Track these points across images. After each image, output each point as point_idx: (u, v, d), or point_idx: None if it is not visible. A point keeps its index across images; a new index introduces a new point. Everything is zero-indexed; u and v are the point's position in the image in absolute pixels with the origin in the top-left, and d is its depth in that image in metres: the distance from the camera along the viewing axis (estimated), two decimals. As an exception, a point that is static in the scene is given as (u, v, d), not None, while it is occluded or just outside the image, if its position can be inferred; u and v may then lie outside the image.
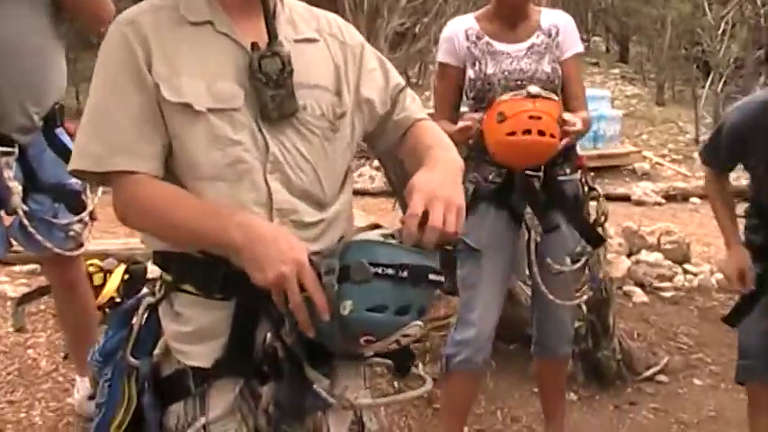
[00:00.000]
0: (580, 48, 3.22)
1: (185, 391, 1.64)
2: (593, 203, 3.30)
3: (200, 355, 1.63)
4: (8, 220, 3.18)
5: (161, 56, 1.60)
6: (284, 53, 1.64)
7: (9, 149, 3.03)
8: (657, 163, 12.55)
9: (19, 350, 4.29)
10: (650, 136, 14.63)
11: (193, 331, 1.63)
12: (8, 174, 3.02)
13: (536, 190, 3.08)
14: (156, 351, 1.67)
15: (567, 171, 3.18)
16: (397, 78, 1.87)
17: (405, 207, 1.55)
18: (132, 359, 1.68)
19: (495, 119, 2.91)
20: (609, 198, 8.76)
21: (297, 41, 1.72)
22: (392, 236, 1.51)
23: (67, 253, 3.24)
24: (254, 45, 1.63)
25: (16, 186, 3.06)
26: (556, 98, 2.97)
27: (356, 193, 8.17)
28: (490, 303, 3.12)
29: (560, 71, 3.11)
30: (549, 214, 3.12)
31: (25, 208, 3.09)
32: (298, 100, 1.65)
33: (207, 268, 1.61)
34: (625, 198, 9.75)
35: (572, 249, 3.22)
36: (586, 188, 3.26)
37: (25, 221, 3.09)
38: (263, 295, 1.51)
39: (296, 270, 1.45)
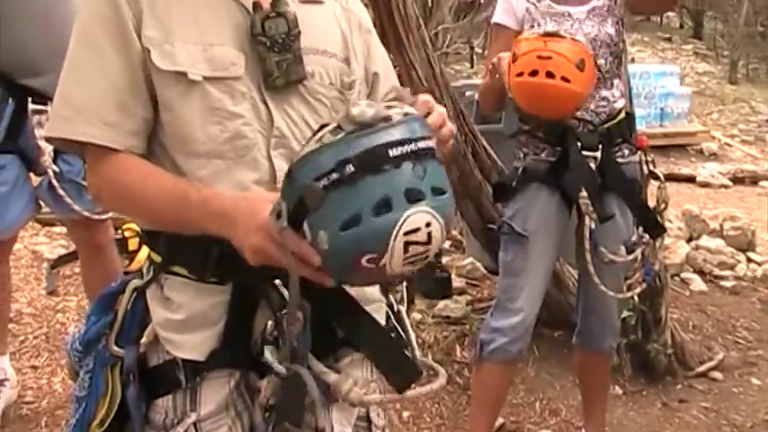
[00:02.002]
0: None
1: (175, 383, 1.48)
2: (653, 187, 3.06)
3: (193, 346, 1.47)
4: (36, 181, 3.13)
5: (152, 17, 1.42)
6: (290, 14, 1.46)
7: (42, 107, 2.95)
8: (726, 143, 12.11)
9: (49, 314, 4.23)
10: (720, 115, 14.15)
11: (185, 319, 1.47)
12: (39, 133, 2.95)
13: (592, 172, 2.85)
14: (143, 340, 1.50)
15: (627, 153, 2.97)
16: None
17: None
18: (116, 348, 1.52)
19: (510, 59, 2.68)
20: (673, 178, 8.66)
21: (302, 2, 1.55)
22: (339, 127, 1.25)
23: (95, 216, 3.16)
24: (257, 5, 1.46)
25: (47, 146, 2.98)
26: (580, 40, 2.71)
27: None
28: (533, 293, 2.92)
29: (623, 32, 2.94)
30: (605, 200, 2.89)
31: (55, 168, 3.04)
32: (306, 65, 1.47)
33: (199, 248, 1.43)
34: (690, 179, 9.42)
35: (627, 238, 3.00)
36: (647, 172, 3.02)
37: (55, 182, 3.03)
38: (263, 277, 1.37)
39: (264, 234, 1.27)
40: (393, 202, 1.19)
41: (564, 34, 2.66)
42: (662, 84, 11.49)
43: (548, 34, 2.64)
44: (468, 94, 5.03)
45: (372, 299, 1.59)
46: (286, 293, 1.41)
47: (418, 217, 1.20)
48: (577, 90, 2.61)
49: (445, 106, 1.91)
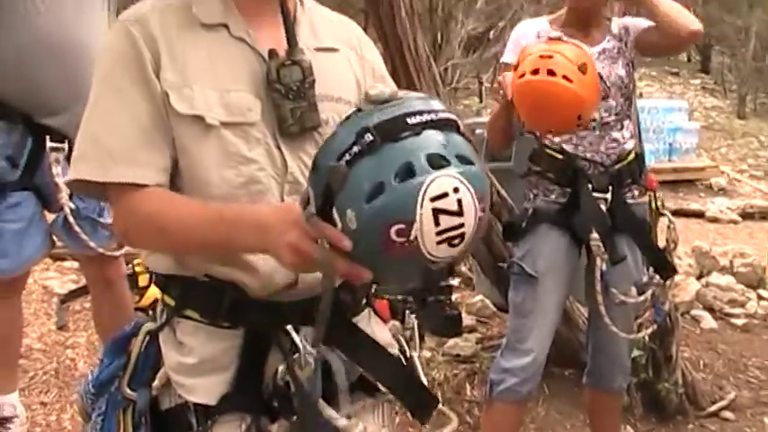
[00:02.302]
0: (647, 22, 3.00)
1: (186, 427, 1.48)
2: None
3: (205, 390, 1.47)
4: (50, 217, 3.15)
5: (170, 60, 1.44)
6: (305, 62, 1.48)
7: (59, 145, 2.98)
8: (735, 179, 12.11)
9: (59, 349, 4.23)
10: (729, 150, 14.17)
11: (197, 363, 1.48)
12: (56, 170, 2.98)
13: (603, 213, 2.86)
14: (156, 383, 1.51)
15: (636, 193, 2.98)
16: None
17: None
18: (129, 391, 1.53)
19: (514, 70, 2.67)
20: (682, 214, 8.64)
21: (317, 50, 1.56)
22: (359, 110, 1.26)
23: (109, 253, 3.18)
24: (273, 52, 1.47)
25: (64, 184, 2.99)
26: (583, 47, 2.70)
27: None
28: (543, 334, 2.92)
29: (633, 74, 2.98)
30: (616, 241, 2.90)
31: (72, 206, 3.04)
32: (320, 112, 1.49)
33: (212, 292, 1.46)
34: (699, 214, 9.40)
35: (638, 278, 3.00)
36: (657, 212, 3.03)
37: (71, 219, 3.04)
38: (275, 323, 1.38)
39: (298, 230, 1.26)
40: (416, 168, 1.16)
41: (567, 39, 2.66)
42: (670, 119, 11.52)
43: (551, 39, 2.66)
44: (477, 132, 5.05)
45: (385, 343, 1.60)
46: (297, 339, 1.43)
47: (444, 181, 1.16)
48: (579, 92, 2.55)
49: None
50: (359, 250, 1.20)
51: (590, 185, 2.86)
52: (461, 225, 1.18)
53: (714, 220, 9.30)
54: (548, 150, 2.90)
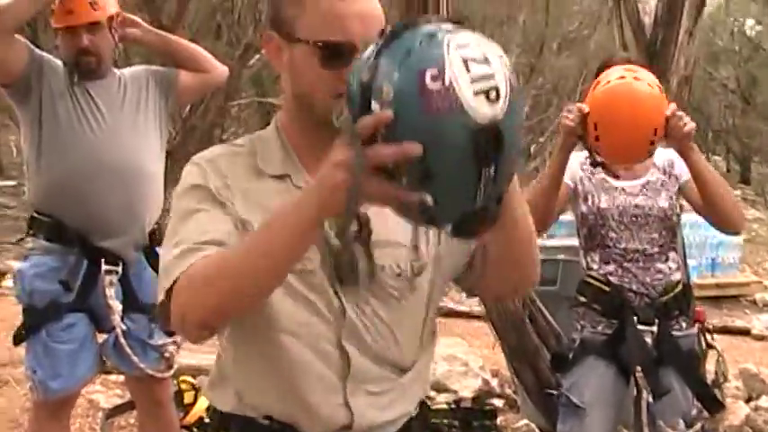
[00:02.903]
0: None
1: None
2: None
3: None
4: (101, 337, 3.21)
5: (241, 199, 1.50)
6: (362, 214, 1.51)
7: (113, 268, 3.07)
8: (780, 294, 11.93)
9: (103, 466, 4.20)
10: (772, 264, 14.00)
11: None
12: (110, 292, 3.07)
13: (647, 346, 2.87)
14: None
15: (684, 325, 2.98)
16: None
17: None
18: None
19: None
20: (726, 331, 8.48)
21: None
22: None
23: (159, 374, 3.23)
24: None
25: (117, 305, 3.10)
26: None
27: (456, 315, 8.01)
28: (591, 466, 2.89)
29: (677, 206, 2.99)
30: (662, 374, 2.89)
31: (123, 327, 3.12)
32: (375, 260, 1.53)
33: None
34: (744, 332, 9.22)
35: (687, 411, 2.97)
36: (704, 345, 3.02)
37: (122, 340, 3.11)
38: None
39: (342, 148, 1.25)
40: (438, 33, 1.21)
41: None
42: (712, 233, 11.42)
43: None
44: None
45: None
46: None
47: (466, 34, 1.22)
48: (661, 103, 2.67)
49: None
50: (400, 119, 1.19)
51: (636, 318, 2.88)
52: (492, 76, 1.20)
53: (761, 338, 9.12)
54: (594, 282, 2.92)
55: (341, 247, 1.46)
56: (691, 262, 9.85)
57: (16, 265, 3.85)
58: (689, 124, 2.69)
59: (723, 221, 2.89)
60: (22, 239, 3.22)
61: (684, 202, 3.07)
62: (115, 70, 3.22)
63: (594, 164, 2.85)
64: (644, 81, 2.68)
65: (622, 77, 2.69)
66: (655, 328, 2.88)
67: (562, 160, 2.84)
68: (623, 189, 2.98)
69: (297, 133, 1.57)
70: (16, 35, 3.01)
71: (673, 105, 2.70)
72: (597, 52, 15.11)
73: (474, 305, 9.51)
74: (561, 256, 4.29)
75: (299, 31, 1.48)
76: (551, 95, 15.96)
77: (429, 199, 1.21)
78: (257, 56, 10.49)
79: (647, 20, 4.84)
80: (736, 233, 2.95)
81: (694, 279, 9.42)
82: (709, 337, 3.05)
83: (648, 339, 2.87)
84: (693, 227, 11.26)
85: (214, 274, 1.35)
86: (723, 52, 22.42)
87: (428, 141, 1.18)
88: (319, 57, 1.46)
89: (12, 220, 11.34)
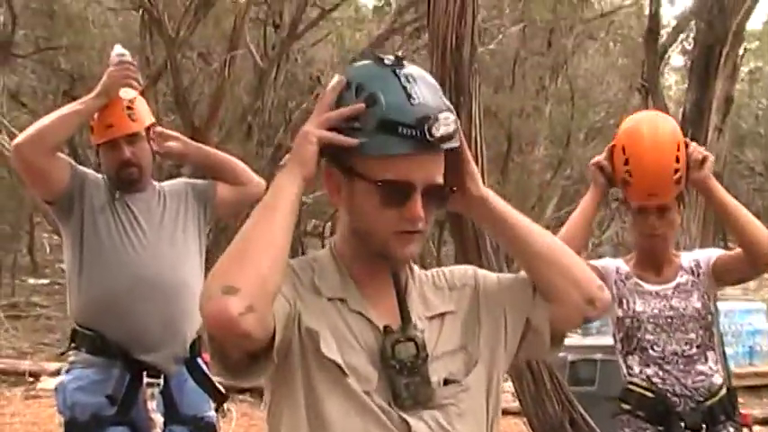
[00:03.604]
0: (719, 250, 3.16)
1: None
2: None
3: None
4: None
5: (307, 313, 1.54)
6: (419, 338, 1.55)
7: (155, 381, 3.09)
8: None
9: None
10: (812, 350, 13.71)
11: None
12: (151, 405, 3.08)
13: None
14: None
15: (731, 430, 2.96)
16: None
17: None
18: None
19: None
20: (766, 423, 8.27)
21: (428, 318, 1.63)
22: None
23: (199, 486, 3.22)
24: (387, 328, 1.55)
25: (158, 418, 3.11)
26: None
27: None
28: None
29: (712, 305, 3.01)
30: None
31: None
32: (431, 377, 1.55)
33: None
34: (786, 422, 9.02)
35: None
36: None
37: None
38: None
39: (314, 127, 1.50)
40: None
41: None
42: (748, 321, 11.29)
43: None
44: (560, 355, 5.06)
45: None
46: None
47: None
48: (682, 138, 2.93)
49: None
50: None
51: (682, 424, 2.85)
52: None
53: (803, 428, 8.91)
54: (637, 389, 2.91)
55: (397, 371, 1.51)
56: (727, 350, 9.69)
57: (53, 380, 3.88)
58: (705, 153, 2.90)
59: (756, 245, 2.86)
60: (64, 353, 3.25)
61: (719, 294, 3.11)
62: (155, 183, 3.28)
63: (623, 201, 3.07)
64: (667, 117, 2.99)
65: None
66: (702, 432, 2.85)
67: (594, 195, 3.01)
68: (656, 293, 3.01)
69: (353, 261, 1.60)
70: (58, 153, 3.10)
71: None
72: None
73: (510, 401, 9.43)
74: (599, 356, 4.26)
75: (359, 167, 1.52)
76: (579, 185, 16.02)
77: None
78: (288, 156, 10.65)
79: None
80: None
81: (732, 368, 9.26)
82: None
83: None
84: (729, 315, 11.15)
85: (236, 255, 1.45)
86: (748, 135, 22.49)
87: None
88: (380, 195, 1.50)
89: (45, 320, 11.42)
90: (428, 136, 1.46)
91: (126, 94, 3.09)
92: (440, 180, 1.54)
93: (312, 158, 1.50)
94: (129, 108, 3.11)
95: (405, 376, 1.52)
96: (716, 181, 2.90)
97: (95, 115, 3.11)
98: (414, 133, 1.46)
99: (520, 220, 1.64)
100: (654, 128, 2.95)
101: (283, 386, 1.55)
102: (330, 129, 1.50)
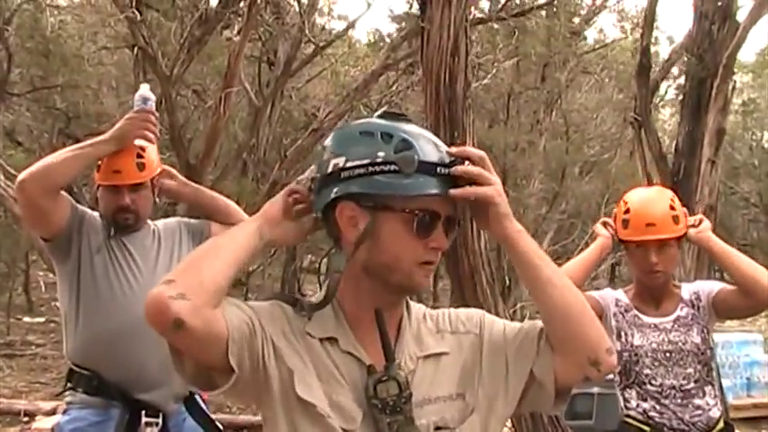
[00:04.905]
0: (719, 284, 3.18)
1: None
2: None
3: None
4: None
5: (289, 351, 1.57)
6: (401, 378, 1.56)
7: (153, 420, 3.08)
8: (820, 413, 11.60)
9: None
10: (811, 381, 13.64)
11: None
12: None
13: None
14: None
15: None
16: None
17: None
18: None
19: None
20: (767, 456, 8.20)
21: (421, 358, 1.64)
22: None
23: None
24: (371, 368, 1.57)
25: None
26: None
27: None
28: None
29: (711, 340, 3.02)
30: None
31: None
32: (419, 419, 1.55)
33: None
34: (786, 455, 8.96)
35: None
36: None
37: None
38: None
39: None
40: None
41: None
42: (746, 352, 11.25)
43: None
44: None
45: None
46: None
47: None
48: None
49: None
50: None
51: None
52: None
53: (803, 461, 8.86)
54: (634, 423, 2.91)
55: (380, 409, 1.53)
56: (725, 382, 9.65)
57: (49, 419, 3.85)
58: (701, 216, 3.16)
59: (756, 286, 2.90)
60: (60, 394, 3.23)
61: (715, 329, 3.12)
62: (149, 222, 3.28)
63: (621, 241, 3.10)
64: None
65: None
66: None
67: (599, 245, 3.16)
68: (656, 325, 3.02)
69: (353, 298, 1.62)
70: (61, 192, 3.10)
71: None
72: (618, 175, 15.29)
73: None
74: (596, 389, 4.24)
75: (389, 200, 1.54)
76: (575, 219, 16.04)
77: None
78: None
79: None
80: None
81: (730, 400, 9.22)
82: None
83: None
84: (726, 346, 11.12)
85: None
86: (743, 166, 22.57)
87: None
88: (413, 223, 1.54)
89: (41, 359, 11.35)
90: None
91: (139, 141, 3.08)
92: (454, 212, 1.60)
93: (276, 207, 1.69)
94: (139, 156, 3.10)
95: (387, 415, 1.54)
96: (715, 237, 3.01)
97: None
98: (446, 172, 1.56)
99: (543, 266, 1.63)
100: (649, 188, 3.07)
101: (269, 422, 1.58)
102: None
